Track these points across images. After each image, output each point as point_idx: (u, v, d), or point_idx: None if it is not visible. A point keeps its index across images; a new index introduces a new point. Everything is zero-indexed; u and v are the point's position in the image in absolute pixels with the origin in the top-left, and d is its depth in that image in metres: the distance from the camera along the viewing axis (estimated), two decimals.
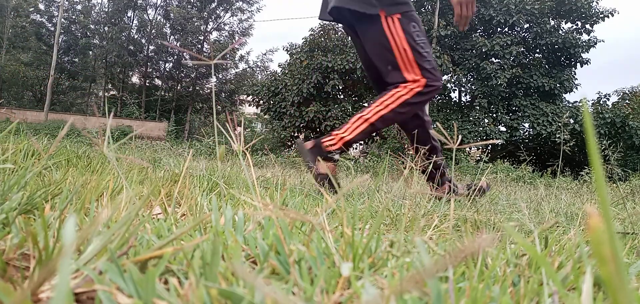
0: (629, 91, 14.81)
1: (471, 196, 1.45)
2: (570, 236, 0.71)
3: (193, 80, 21.05)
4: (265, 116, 17.05)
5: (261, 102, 16.21)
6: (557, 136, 12.35)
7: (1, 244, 0.39)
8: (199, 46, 20.34)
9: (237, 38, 21.21)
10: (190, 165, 1.91)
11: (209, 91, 21.15)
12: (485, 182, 1.87)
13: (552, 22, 13.82)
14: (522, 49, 13.56)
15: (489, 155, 13.55)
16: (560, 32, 13.86)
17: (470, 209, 1.02)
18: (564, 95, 14.17)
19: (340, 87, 14.91)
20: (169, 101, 21.41)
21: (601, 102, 14.09)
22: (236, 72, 21.57)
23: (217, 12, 21.06)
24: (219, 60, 0.67)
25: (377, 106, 1.73)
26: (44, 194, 0.58)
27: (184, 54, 19.88)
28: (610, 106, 13.58)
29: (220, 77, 21.34)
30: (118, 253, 0.36)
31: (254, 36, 39.81)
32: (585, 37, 13.97)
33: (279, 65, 16.78)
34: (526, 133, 13.85)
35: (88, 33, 20.76)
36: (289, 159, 9.17)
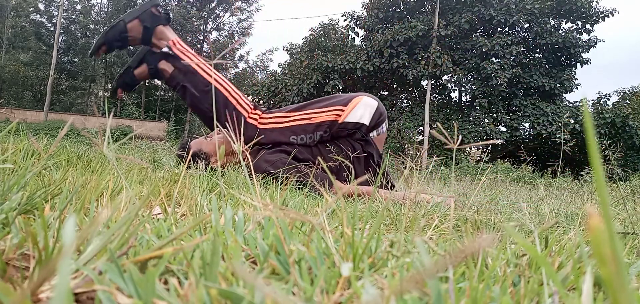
0: (629, 91, 14.80)
1: None
2: (571, 236, 0.71)
3: None
4: None
5: (261, 102, 16.20)
6: (558, 136, 12.35)
7: (1, 244, 0.39)
8: (199, 46, 20.32)
9: (236, 38, 21.20)
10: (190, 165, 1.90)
11: None
12: None
13: (552, 22, 13.82)
14: (522, 49, 13.56)
15: (489, 155, 13.55)
16: (561, 32, 13.86)
17: (471, 209, 1.02)
18: (564, 95, 14.18)
19: (340, 87, 14.89)
20: (168, 101, 21.40)
21: (601, 102, 14.09)
22: (236, 72, 21.56)
23: (217, 11, 21.05)
24: (219, 60, 0.66)
25: None
26: (44, 194, 0.58)
27: None
28: (610, 106, 13.58)
29: None
30: (118, 253, 0.36)
31: (253, 36, 39.79)
32: (585, 37, 13.98)
33: (279, 65, 16.78)
34: (526, 133, 13.85)
35: (88, 33, 20.75)
36: None
